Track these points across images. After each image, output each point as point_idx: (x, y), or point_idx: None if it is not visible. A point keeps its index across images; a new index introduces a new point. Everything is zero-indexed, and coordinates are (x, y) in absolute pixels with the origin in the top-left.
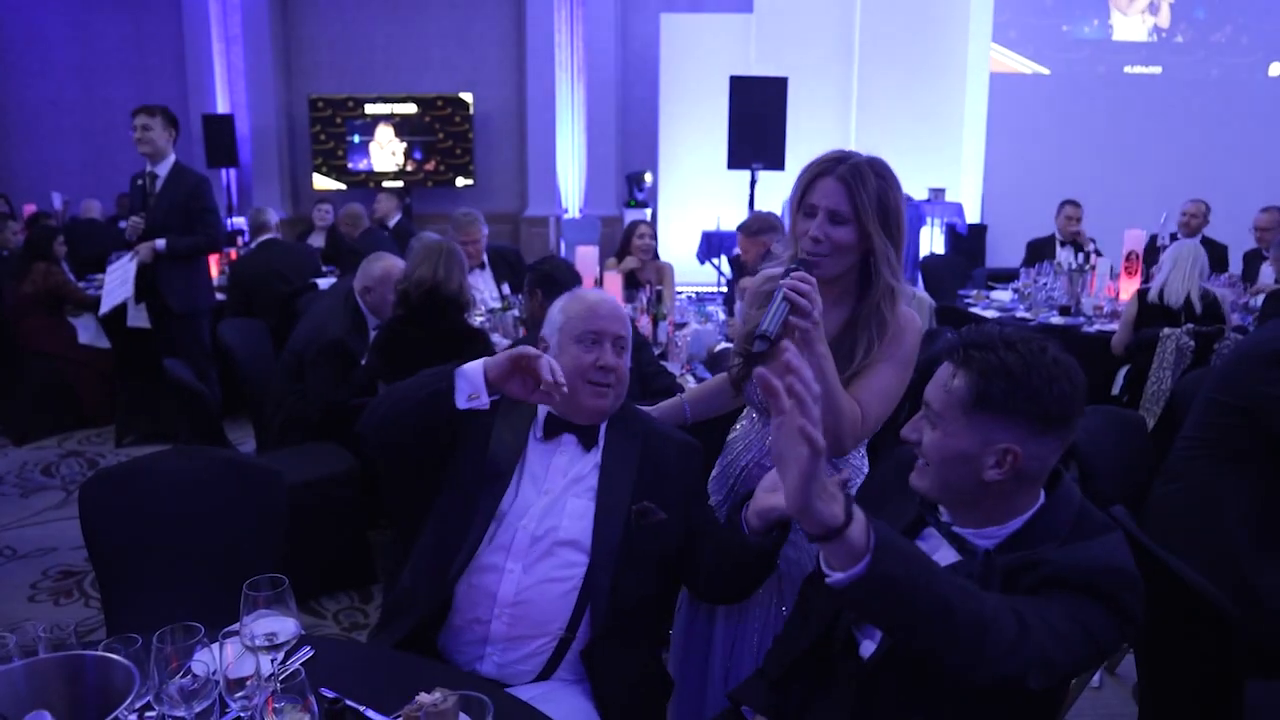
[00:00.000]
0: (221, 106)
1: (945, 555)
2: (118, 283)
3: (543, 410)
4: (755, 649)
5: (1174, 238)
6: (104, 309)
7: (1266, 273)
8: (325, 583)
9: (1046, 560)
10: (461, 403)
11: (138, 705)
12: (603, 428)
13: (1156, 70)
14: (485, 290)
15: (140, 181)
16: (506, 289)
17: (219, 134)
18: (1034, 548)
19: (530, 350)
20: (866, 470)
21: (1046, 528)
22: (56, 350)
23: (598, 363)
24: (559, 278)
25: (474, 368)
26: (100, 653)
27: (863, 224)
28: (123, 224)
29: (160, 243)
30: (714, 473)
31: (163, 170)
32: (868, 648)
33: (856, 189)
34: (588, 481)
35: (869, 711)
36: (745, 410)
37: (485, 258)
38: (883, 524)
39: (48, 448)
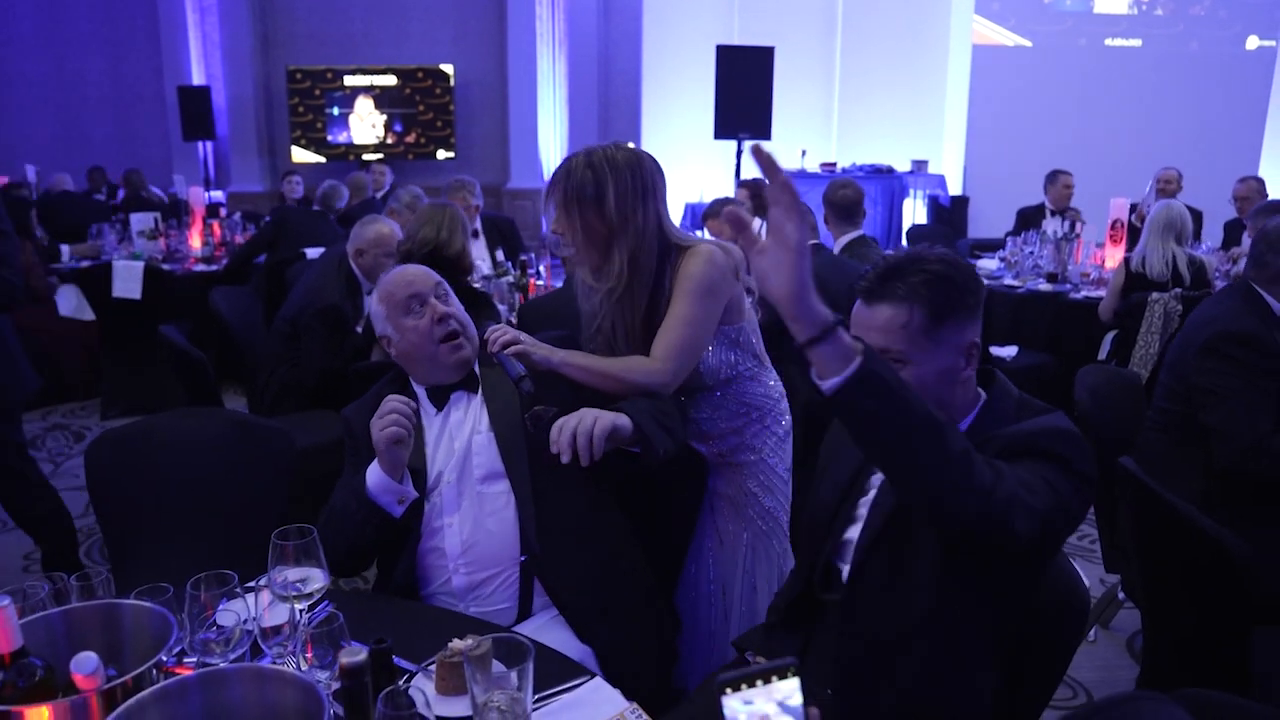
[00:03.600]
0: (197, 78)
1: None
2: None
3: (420, 389)
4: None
5: None
6: None
7: (1248, 241)
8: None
9: (997, 435)
10: (400, 512)
11: (175, 650)
12: (475, 367)
13: (1137, 43)
14: (479, 257)
15: None
16: (500, 255)
17: (195, 106)
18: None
19: (390, 432)
20: (781, 390)
21: (994, 419)
22: (36, 323)
23: (435, 317)
24: None
25: (375, 481)
26: (136, 600)
27: (585, 224)
28: (98, 197)
29: None
30: None
31: None
32: (846, 572)
33: (565, 205)
34: (482, 418)
35: (855, 636)
36: None
37: (479, 225)
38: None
39: (31, 421)
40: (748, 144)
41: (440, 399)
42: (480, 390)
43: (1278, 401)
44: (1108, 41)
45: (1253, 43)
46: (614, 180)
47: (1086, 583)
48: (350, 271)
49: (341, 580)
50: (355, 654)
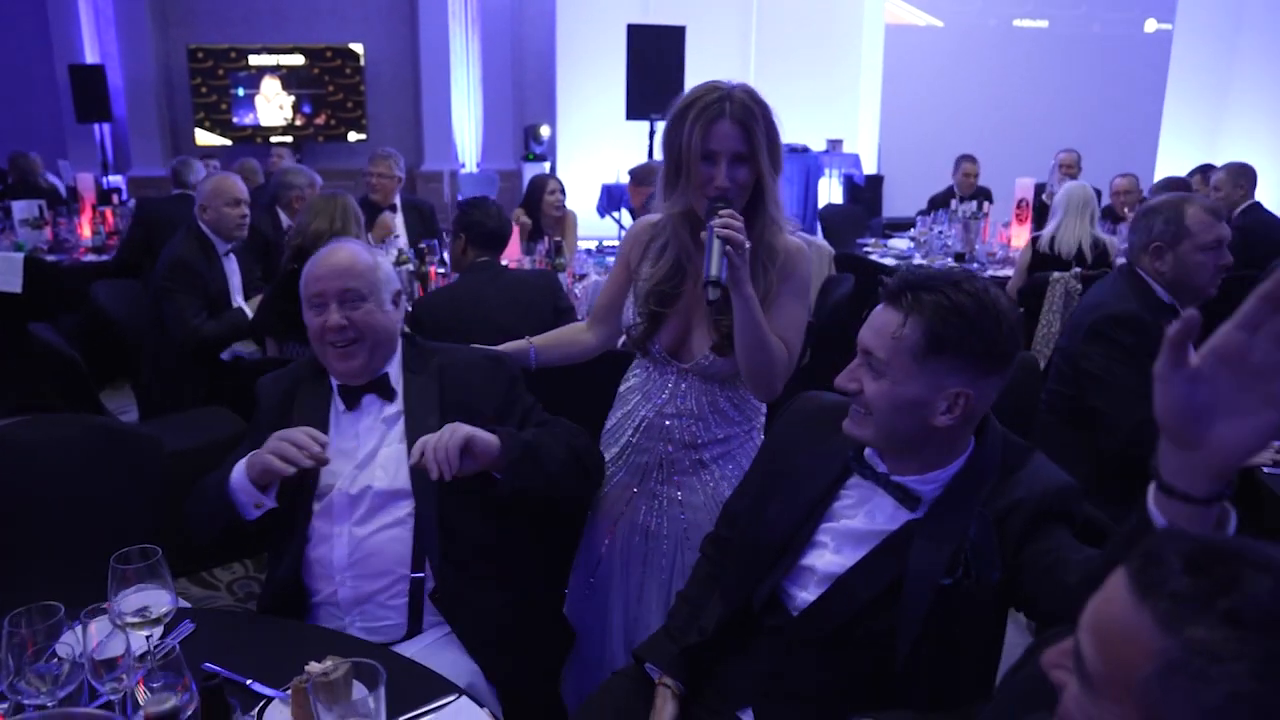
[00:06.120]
0: (90, 56)
1: (881, 504)
2: None
3: (335, 383)
4: (662, 601)
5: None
6: None
7: (1124, 232)
8: (217, 552)
9: (1020, 500)
10: (252, 515)
11: None
12: (397, 373)
13: (1044, 24)
14: (396, 233)
15: None
16: (403, 242)
17: (89, 86)
18: (975, 485)
19: (278, 465)
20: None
21: (985, 464)
22: None
23: (326, 325)
24: (486, 223)
25: (238, 478)
26: None
27: (757, 161)
28: None
29: None
30: (608, 425)
31: None
32: (804, 599)
33: (751, 128)
34: (396, 429)
35: (791, 666)
36: (636, 361)
37: (398, 201)
38: None
39: None
40: None
41: (351, 399)
42: (399, 400)
43: None
44: (1016, 22)
45: (1151, 25)
46: (775, 117)
47: None
48: (200, 232)
49: (236, 586)
50: (162, 702)
